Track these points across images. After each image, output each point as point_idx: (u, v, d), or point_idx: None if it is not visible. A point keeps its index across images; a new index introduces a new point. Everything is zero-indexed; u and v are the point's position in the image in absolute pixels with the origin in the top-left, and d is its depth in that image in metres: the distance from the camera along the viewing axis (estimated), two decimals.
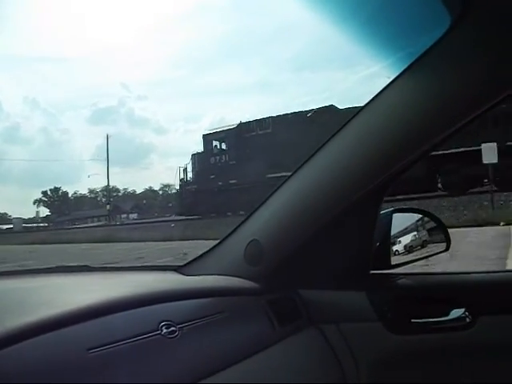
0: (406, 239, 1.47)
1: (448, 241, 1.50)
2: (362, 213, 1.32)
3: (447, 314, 1.30)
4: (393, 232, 1.40)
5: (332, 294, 1.36)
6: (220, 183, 19.68)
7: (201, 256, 1.42)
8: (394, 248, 1.41)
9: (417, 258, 1.46)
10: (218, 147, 21.47)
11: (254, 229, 1.34)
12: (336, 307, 1.35)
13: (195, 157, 22.32)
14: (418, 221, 1.51)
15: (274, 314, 1.22)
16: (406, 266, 1.43)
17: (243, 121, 21.13)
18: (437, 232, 1.51)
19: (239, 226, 1.38)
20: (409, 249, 1.47)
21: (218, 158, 21.29)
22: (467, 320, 1.28)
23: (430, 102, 1.12)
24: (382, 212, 1.38)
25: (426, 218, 1.51)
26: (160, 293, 1.07)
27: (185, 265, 1.41)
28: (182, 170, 22.09)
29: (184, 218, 20.71)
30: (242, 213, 15.51)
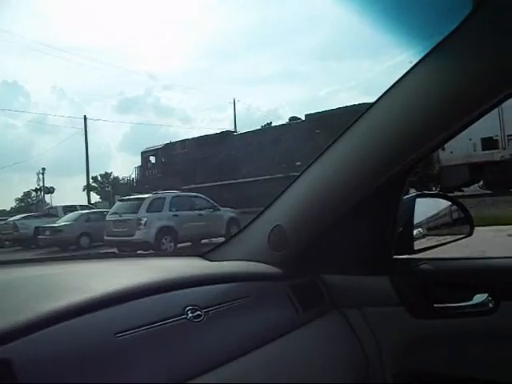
0: (428, 224, 1.47)
1: (471, 226, 1.49)
2: (385, 198, 1.32)
3: (470, 299, 1.29)
4: (416, 217, 1.40)
5: (355, 279, 1.37)
6: (155, 190, 23.91)
7: (225, 242, 1.44)
8: (417, 233, 1.41)
9: (440, 243, 1.45)
10: (152, 162, 25.97)
11: (278, 215, 1.35)
12: (359, 292, 1.36)
13: (137, 169, 26.60)
14: (441, 206, 1.50)
15: (298, 299, 1.23)
16: (428, 251, 1.42)
17: (184, 137, 26.04)
18: (460, 217, 1.50)
19: (263, 212, 1.40)
20: (432, 234, 1.46)
21: (150, 171, 25.75)
22: (490, 305, 1.27)
23: (451, 86, 1.11)
24: (405, 197, 1.37)
25: (449, 203, 1.50)
26: (185, 278, 1.09)
27: (209, 251, 1.43)
28: (132, 179, 26.92)
29: None
30: None
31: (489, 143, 16.92)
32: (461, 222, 1.51)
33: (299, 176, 1.34)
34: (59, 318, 0.77)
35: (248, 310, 1.10)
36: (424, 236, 1.43)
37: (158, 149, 25.29)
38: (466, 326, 1.29)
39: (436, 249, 1.43)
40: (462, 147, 16.06)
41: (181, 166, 23.83)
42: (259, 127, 22.70)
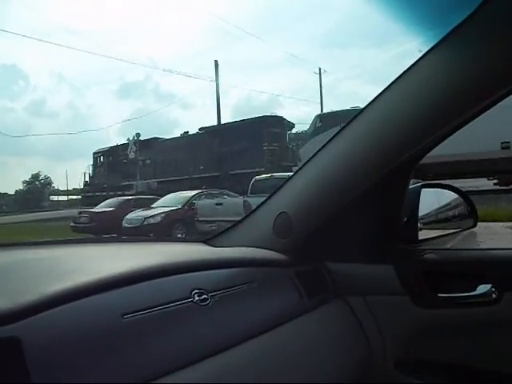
0: (433, 214, 1.47)
1: (475, 217, 1.50)
2: (390, 187, 1.32)
3: (474, 289, 1.30)
4: (421, 207, 1.40)
5: (359, 267, 1.37)
6: (104, 185, 27.93)
7: (229, 228, 1.43)
8: (422, 222, 1.41)
9: (444, 233, 1.46)
10: (101, 161, 30.38)
11: (283, 202, 1.35)
12: (363, 280, 1.36)
13: (89, 166, 31.46)
14: (446, 196, 1.50)
15: (302, 286, 1.24)
16: (433, 241, 1.43)
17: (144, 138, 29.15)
18: (465, 208, 1.50)
19: (268, 198, 1.40)
20: (436, 224, 1.46)
21: (99, 169, 30.07)
22: (494, 296, 1.27)
23: (460, 77, 1.10)
24: (410, 187, 1.37)
25: (454, 194, 1.50)
26: (191, 262, 1.09)
27: (213, 237, 1.43)
28: (85, 174, 31.65)
29: None
30: None
31: None
32: (465, 213, 1.51)
33: (305, 164, 1.34)
34: (66, 299, 0.77)
35: (253, 295, 1.10)
36: (429, 226, 1.44)
37: (106, 150, 29.61)
38: (470, 315, 1.30)
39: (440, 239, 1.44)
40: None
41: (122, 165, 28.18)
42: (220, 124, 25.18)
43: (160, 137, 29.16)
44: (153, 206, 15.91)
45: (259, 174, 16.06)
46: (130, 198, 18.56)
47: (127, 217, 15.06)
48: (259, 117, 22.43)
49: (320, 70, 25.43)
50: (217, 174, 22.04)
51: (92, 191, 29.02)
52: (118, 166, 28.32)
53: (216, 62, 22.66)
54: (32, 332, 0.69)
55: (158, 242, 1.51)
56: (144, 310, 0.85)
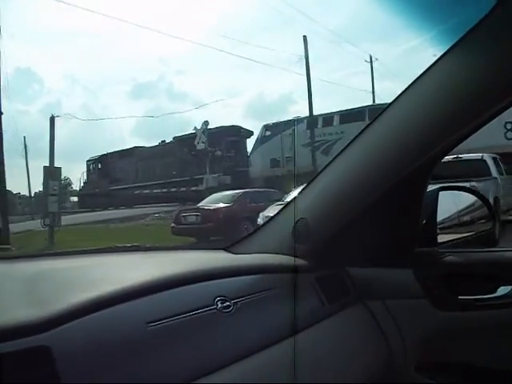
0: (452, 217, 1.47)
1: (494, 220, 1.49)
2: (408, 191, 1.32)
3: (494, 292, 1.29)
4: (439, 210, 1.40)
5: (379, 272, 1.38)
6: (97, 190, 28.87)
7: (249, 235, 1.45)
8: (441, 225, 1.41)
9: (463, 235, 1.45)
10: (93, 168, 31.72)
11: (302, 207, 1.36)
12: (383, 284, 1.36)
13: (83, 174, 32.49)
14: (464, 199, 1.50)
15: (323, 291, 1.25)
16: (452, 244, 1.43)
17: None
18: (483, 211, 1.50)
19: (287, 205, 1.41)
20: (455, 227, 1.46)
21: (92, 176, 31.17)
22: None
23: (478, 77, 1.10)
24: (428, 190, 1.38)
25: (472, 197, 1.50)
26: (213, 270, 1.11)
27: (233, 244, 1.44)
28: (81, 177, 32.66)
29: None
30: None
31: None
32: (484, 216, 1.51)
33: (323, 169, 1.35)
34: (92, 309, 0.79)
35: (274, 302, 1.11)
36: (447, 229, 1.44)
37: (96, 158, 31.23)
38: (490, 318, 1.29)
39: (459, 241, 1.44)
40: None
41: (111, 171, 29.74)
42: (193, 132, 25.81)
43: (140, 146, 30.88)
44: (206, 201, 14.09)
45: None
46: (247, 190, 14.63)
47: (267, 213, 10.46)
48: (218, 127, 24.69)
49: (371, 57, 24.81)
50: (186, 179, 23.89)
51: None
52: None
53: (304, 37, 21.89)
54: (61, 341, 0.72)
55: (178, 250, 1.54)
56: (168, 317, 0.86)
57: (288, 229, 1.35)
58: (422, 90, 1.19)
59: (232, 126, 25.53)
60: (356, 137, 1.28)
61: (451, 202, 1.47)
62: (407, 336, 1.33)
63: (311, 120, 20.71)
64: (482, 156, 10.80)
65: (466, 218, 1.54)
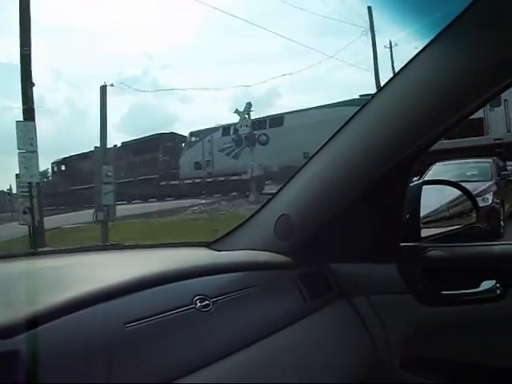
0: (435, 211, 1.46)
1: (477, 213, 1.49)
2: (391, 185, 1.32)
3: (478, 286, 1.29)
4: (422, 204, 1.39)
5: (362, 267, 1.37)
6: (59, 190, 30.15)
7: (231, 232, 1.43)
8: (424, 220, 1.41)
9: (446, 230, 1.45)
10: (56, 169, 34.04)
11: (284, 204, 1.35)
12: (366, 280, 1.36)
13: (48, 177, 34.65)
14: (447, 193, 1.49)
15: (305, 288, 1.23)
16: (435, 238, 1.42)
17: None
18: (466, 204, 1.50)
19: (269, 201, 1.39)
20: (438, 221, 1.46)
21: (56, 176, 33.44)
22: (498, 292, 1.27)
23: (460, 70, 1.10)
24: (411, 185, 1.37)
25: (455, 190, 1.49)
26: (193, 268, 1.09)
27: (215, 240, 1.43)
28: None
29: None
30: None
31: None
32: (467, 210, 1.51)
33: (304, 165, 1.34)
34: (68, 309, 0.77)
35: (256, 299, 1.10)
36: (431, 223, 1.43)
37: (59, 161, 33.15)
38: (474, 312, 1.29)
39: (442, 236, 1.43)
40: None
41: (73, 172, 30.29)
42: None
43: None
44: None
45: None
46: None
47: None
48: (155, 134, 28.03)
49: (390, 42, 24.43)
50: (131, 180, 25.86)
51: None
52: (71, 173, 30.40)
53: (369, 7, 21.16)
54: (33, 344, 0.69)
55: (160, 248, 1.51)
56: (145, 318, 0.85)
57: (270, 225, 1.34)
58: (404, 83, 1.18)
59: (169, 132, 28.94)
60: (337, 132, 1.27)
61: (435, 197, 1.46)
62: (391, 332, 1.33)
63: (225, 128, 23.70)
64: None
65: (450, 212, 1.54)
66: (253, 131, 20.61)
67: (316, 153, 1.32)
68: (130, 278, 0.92)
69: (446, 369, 1.32)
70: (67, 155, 32.64)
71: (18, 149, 9.75)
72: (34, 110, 10.45)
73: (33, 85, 10.44)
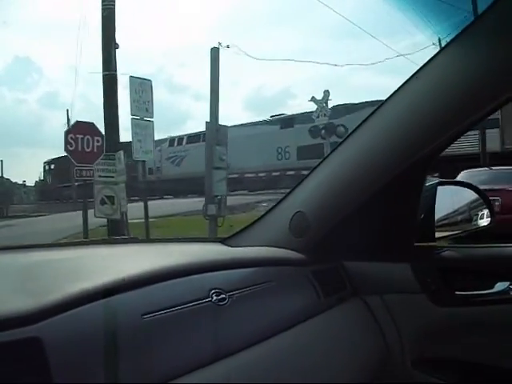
0: (450, 212, 1.46)
1: (492, 215, 1.48)
2: (406, 185, 1.32)
3: (492, 287, 1.29)
4: (437, 205, 1.39)
5: (376, 266, 1.37)
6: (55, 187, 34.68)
7: (245, 228, 1.44)
8: (439, 221, 1.41)
9: (461, 231, 1.45)
10: (48, 169, 38.81)
11: (299, 201, 1.35)
12: (380, 279, 1.36)
13: (43, 173, 39.73)
14: (462, 194, 1.49)
15: (319, 285, 1.24)
16: (450, 239, 1.42)
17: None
18: (481, 206, 1.49)
19: (284, 198, 1.40)
20: (453, 222, 1.46)
21: (48, 176, 38.42)
22: None
23: (477, 73, 1.10)
24: (426, 184, 1.37)
25: (471, 192, 1.49)
26: (209, 262, 1.10)
27: (230, 236, 1.43)
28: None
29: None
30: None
31: None
32: (482, 211, 1.50)
33: (321, 163, 1.34)
34: (86, 299, 0.78)
35: (270, 295, 1.11)
36: (445, 224, 1.43)
37: (50, 161, 37.04)
38: (488, 313, 1.29)
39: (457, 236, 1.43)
40: None
41: (61, 171, 31.79)
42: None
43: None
44: None
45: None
46: None
47: None
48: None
49: (439, 40, 23.58)
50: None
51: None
52: (60, 172, 32.97)
53: None
54: (53, 332, 0.70)
55: (175, 242, 1.53)
56: (163, 310, 0.85)
57: (285, 222, 1.34)
58: (419, 86, 1.18)
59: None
60: (353, 131, 1.27)
61: (449, 197, 1.46)
62: (404, 331, 1.33)
63: (171, 140, 30.44)
64: None
65: (465, 214, 1.53)
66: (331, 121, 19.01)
67: (332, 151, 1.32)
68: (147, 270, 0.93)
69: (458, 369, 1.32)
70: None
71: (132, 115, 7.94)
72: (116, 77, 8.67)
73: (117, 46, 8.74)
